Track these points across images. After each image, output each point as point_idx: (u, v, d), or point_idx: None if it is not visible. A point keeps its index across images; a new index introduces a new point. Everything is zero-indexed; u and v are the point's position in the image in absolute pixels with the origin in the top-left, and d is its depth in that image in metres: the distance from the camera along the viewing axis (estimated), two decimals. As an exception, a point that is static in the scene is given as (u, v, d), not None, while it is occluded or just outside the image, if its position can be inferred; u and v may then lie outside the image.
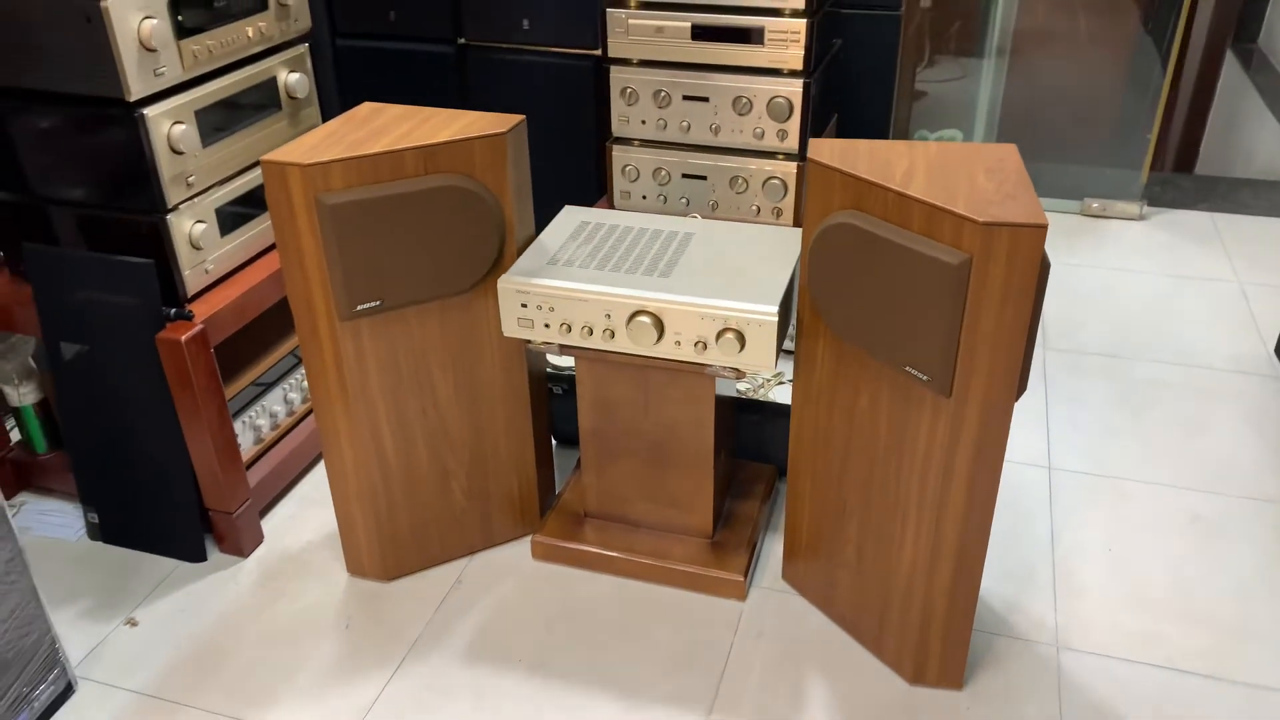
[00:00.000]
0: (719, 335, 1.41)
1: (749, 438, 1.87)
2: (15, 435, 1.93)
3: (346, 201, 1.38)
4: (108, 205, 1.60)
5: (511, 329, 1.52)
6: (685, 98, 2.12)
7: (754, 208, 2.16)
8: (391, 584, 1.71)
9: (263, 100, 1.75)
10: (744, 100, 2.07)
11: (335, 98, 2.59)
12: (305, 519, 1.85)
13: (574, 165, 2.48)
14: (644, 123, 2.17)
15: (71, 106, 1.53)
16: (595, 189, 2.48)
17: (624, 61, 2.13)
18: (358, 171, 1.39)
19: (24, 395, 1.82)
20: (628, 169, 2.23)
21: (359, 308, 1.46)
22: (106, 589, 1.71)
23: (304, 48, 1.83)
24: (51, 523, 1.85)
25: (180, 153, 1.57)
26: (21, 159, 1.61)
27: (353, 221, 1.39)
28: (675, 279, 1.47)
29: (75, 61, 1.48)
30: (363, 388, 1.53)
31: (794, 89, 2.03)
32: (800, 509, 1.59)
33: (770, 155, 2.11)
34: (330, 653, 1.58)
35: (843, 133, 2.49)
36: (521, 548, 1.77)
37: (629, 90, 2.15)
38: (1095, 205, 2.98)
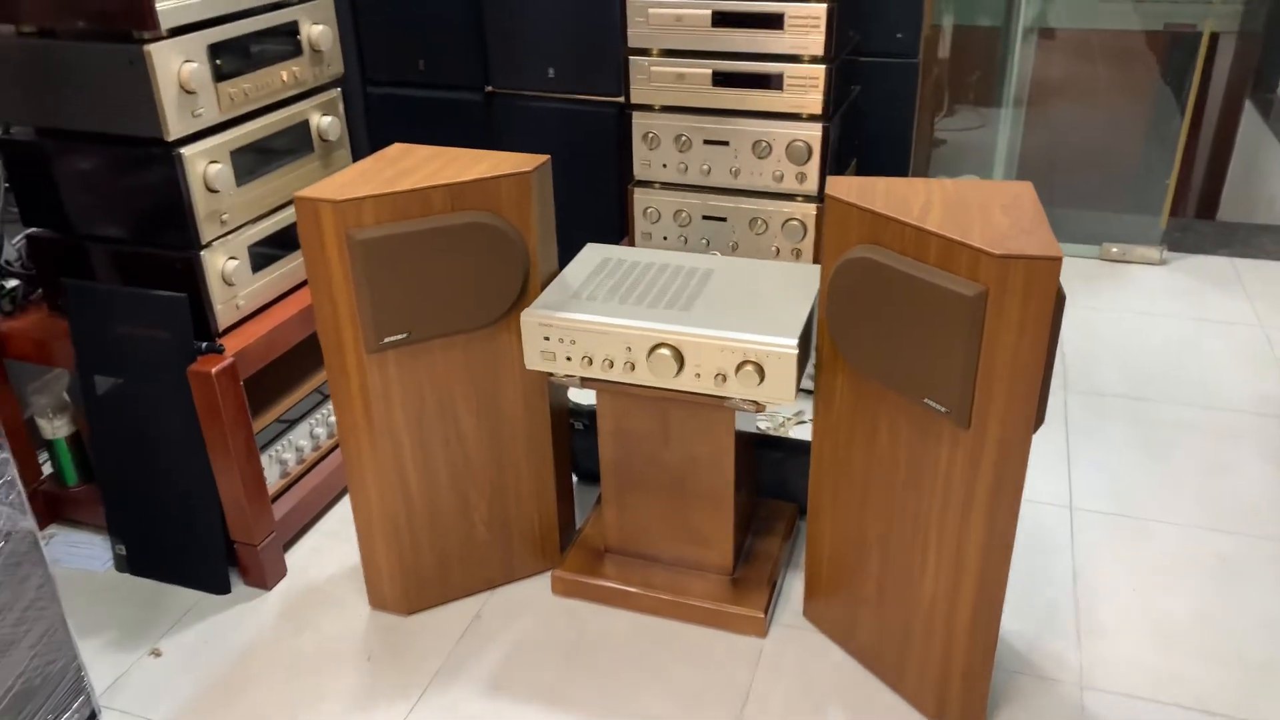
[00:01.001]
0: (738, 367, 1.43)
1: (770, 475, 1.88)
2: (47, 468, 1.97)
3: (376, 237, 1.42)
4: (144, 242, 1.64)
5: (534, 362, 1.54)
6: (706, 142, 2.16)
7: (773, 249, 2.19)
8: (412, 617, 1.72)
9: (296, 142, 1.80)
10: (763, 144, 2.11)
11: (366, 143, 2.66)
12: (329, 552, 1.87)
13: (597, 207, 2.53)
14: (665, 166, 2.21)
15: (112, 146, 1.59)
16: (618, 231, 2.53)
17: (646, 107, 2.18)
18: (388, 208, 1.43)
19: (57, 428, 1.86)
20: (649, 211, 2.27)
21: (386, 340, 1.49)
22: (132, 620, 1.73)
23: (336, 92, 1.89)
24: (80, 554, 1.88)
25: (215, 191, 1.62)
26: (63, 197, 1.66)
27: (382, 256, 1.43)
28: (695, 312, 1.49)
29: (117, 102, 1.54)
30: (388, 419, 1.55)
31: (813, 133, 2.07)
32: (820, 544, 1.59)
33: (789, 197, 2.15)
34: (352, 684, 1.59)
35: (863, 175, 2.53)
36: (541, 583, 1.78)
37: (650, 135, 2.19)
38: (1115, 250, 2.99)
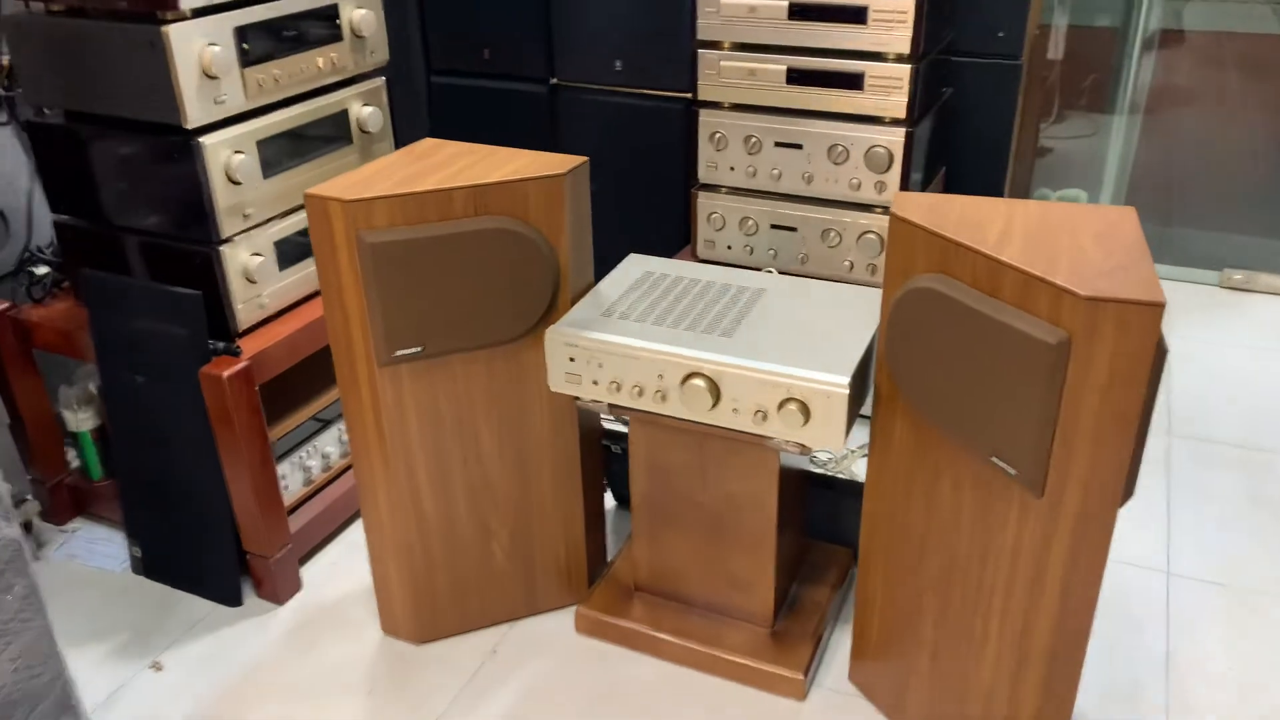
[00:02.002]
0: (781, 405, 1.27)
1: (823, 516, 1.71)
2: (76, 461, 1.92)
3: (389, 241, 1.30)
4: (163, 234, 1.56)
5: (559, 384, 1.40)
6: (777, 144, 1.99)
7: (846, 264, 2.01)
8: (424, 647, 1.60)
9: (332, 133, 1.70)
10: (840, 149, 1.93)
11: (428, 134, 2.56)
12: (348, 568, 1.77)
13: (662, 212, 2.38)
14: (732, 169, 2.05)
15: (132, 132, 1.50)
16: (683, 237, 2.37)
17: (714, 105, 2.02)
18: (402, 210, 1.30)
19: (82, 420, 1.80)
20: (713, 217, 2.11)
21: (398, 353, 1.37)
22: (139, 627, 1.65)
23: (380, 81, 1.78)
24: (99, 552, 1.82)
25: (238, 183, 1.53)
26: (86, 184, 1.59)
27: (395, 262, 1.31)
28: (738, 340, 1.33)
29: (136, 87, 1.45)
30: (401, 436, 1.44)
31: (895, 138, 1.88)
32: (871, 603, 1.42)
33: (867, 208, 1.96)
34: (352, 719, 1.48)
35: (951, 188, 2.32)
36: (565, 618, 1.65)
37: (718, 135, 2.03)
38: (1237, 277, 2.70)
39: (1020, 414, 1.06)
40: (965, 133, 2.31)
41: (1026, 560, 1.14)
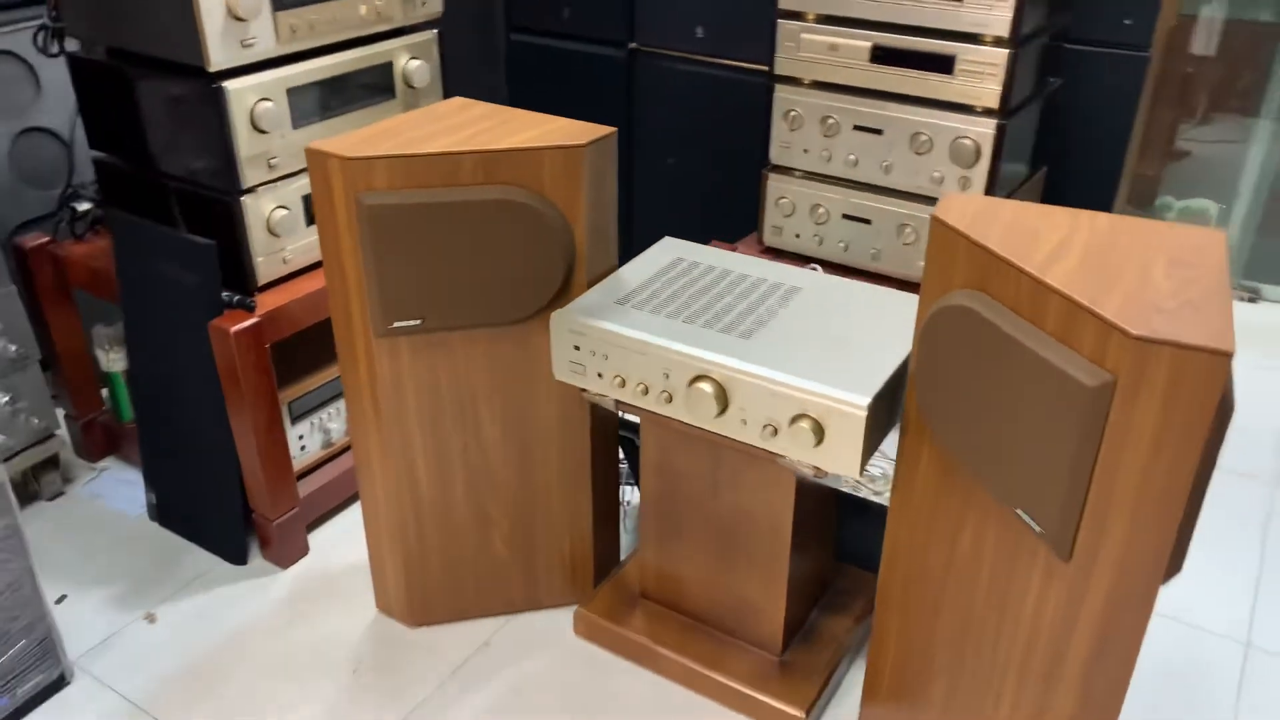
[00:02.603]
0: (793, 421, 1.13)
1: (856, 538, 1.56)
2: (110, 401, 1.91)
3: (388, 204, 1.21)
4: (187, 179, 1.51)
5: (563, 373, 1.30)
6: (856, 128, 1.82)
7: (921, 264, 1.83)
8: (416, 631, 1.53)
9: (375, 86, 1.62)
10: (924, 138, 1.75)
11: (505, 93, 2.47)
12: (358, 538, 1.71)
13: (740, 192, 2.23)
14: (806, 151, 1.89)
15: (160, 72, 1.46)
16: (754, 220, 2.22)
17: (793, 81, 1.87)
18: (405, 171, 1.21)
19: (113, 361, 1.79)
20: (782, 202, 1.96)
21: (395, 324, 1.28)
22: (143, 575, 1.64)
23: (431, 34, 1.70)
24: (122, 494, 1.81)
25: (264, 132, 1.47)
26: (119, 123, 1.56)
27: (394, 227, 1.22)
28: (756, 343, 1.20)
29: (163, 26, 1.40)
30: (398, 413, 1.36)
31: (984, 130, 1.69)
32: (886, 644, 1.27)
33: (947, 206, 1.78)
34: (327, 698, 1.42)
35: (1053, 190, 2.10)
36: (566, 616, 1.55)
37: (793, 114, 1.87)
38: (1384, 312, 2.39)
39: (1051, 464, 0.90)
40: (1076, 130, 2.09)
41: (1047, 635, 0.98)
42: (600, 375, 1.26)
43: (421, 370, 1.34)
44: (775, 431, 1.15)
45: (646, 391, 1.23)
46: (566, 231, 1.27)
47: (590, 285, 1.33)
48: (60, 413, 1.90)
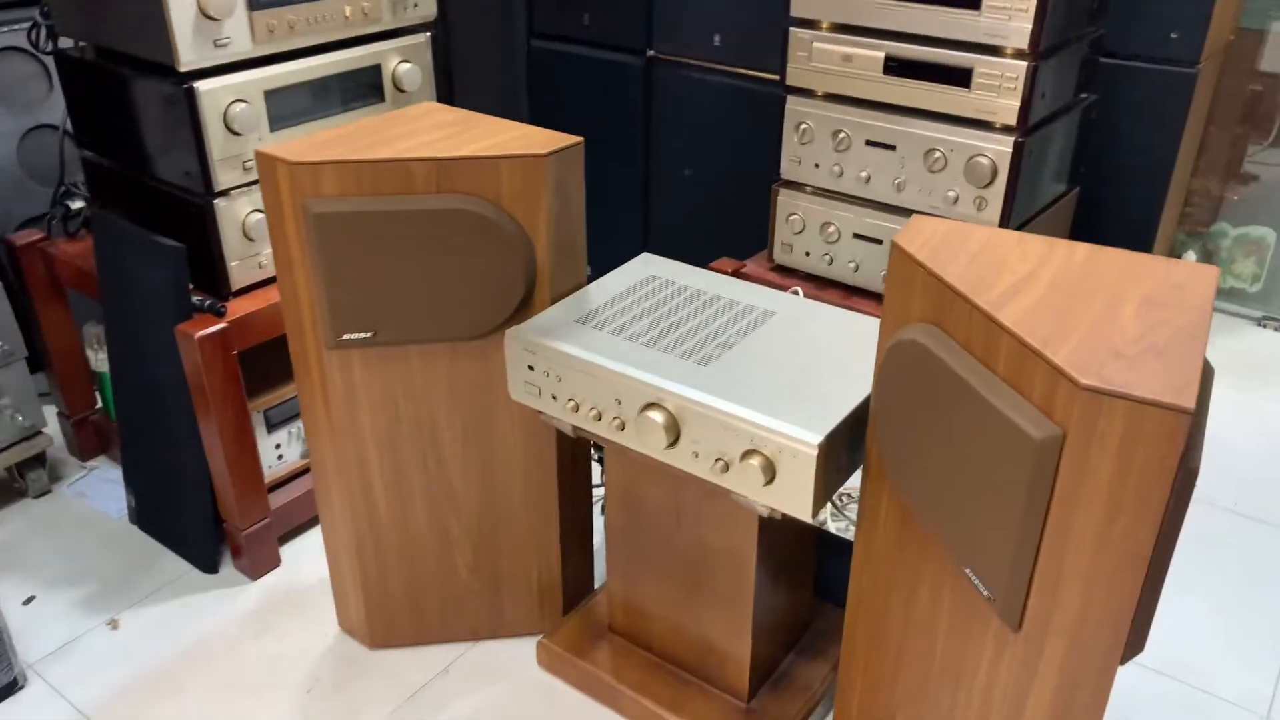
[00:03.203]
0: (743, 456, 1.05)
1: (837, 575, 1.46)
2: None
3: (336, 212, 1.16)
4: (162, 179, 1.49)
5: (519, 393, 1.23)
6: (868, 143, 1.73)
7: (932, 289, 1.73)
8: (376, 653, 1.48)
9: (362, 89, 1.58)
10: (938, 155, 1.65)
11: (525, 99, 2.42)
12: (332, 551, 1.67)
13: (752, 207, 2.15)
14: (817, 166, 1.80)
15: (136, 71, 1.43)
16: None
17: (805, 92, 1.78)
18: (355, 178, 1.16)
19: (101, 361, 1.77)
20: (793, 218, 1.87)
21: (345, 336, 1.23)
22: (114, 579, 1.61)
23: (423, 37, 1.65)
24: (107, 494, 1.80)
25: (238, 134, 1.43)
26: (102, 120, 1.54)
27: (343, 236, 1.17)
28: (715, 371, 1.12)
29: (136, 23, 1.37)
30: (352, 427, 1.31)
31: (1002, 148, 1.59)
32: (849, 699, 1.18)
33: (962, 227, 1.67)
34: (278, 717, 1.37)
35: (1088, 213, 1.98)
36: (531, 646, 1.48)
37: (804, 126, 1.79)
38: None
39: (998, 522, 0.81)
40: (1115, 150, 1.97)
41: (999, 707, 0.89)
42: (554, 397, 1.19)
43: (375, 384, 1.29)
44: (726, 467, 1.07)
45: (599, 417, 1.16)
46: (526, 245, 1.21)
47: (554, 302, 1.26)
48: (54, 411, 1.89)
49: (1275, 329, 2.46)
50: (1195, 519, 1.75)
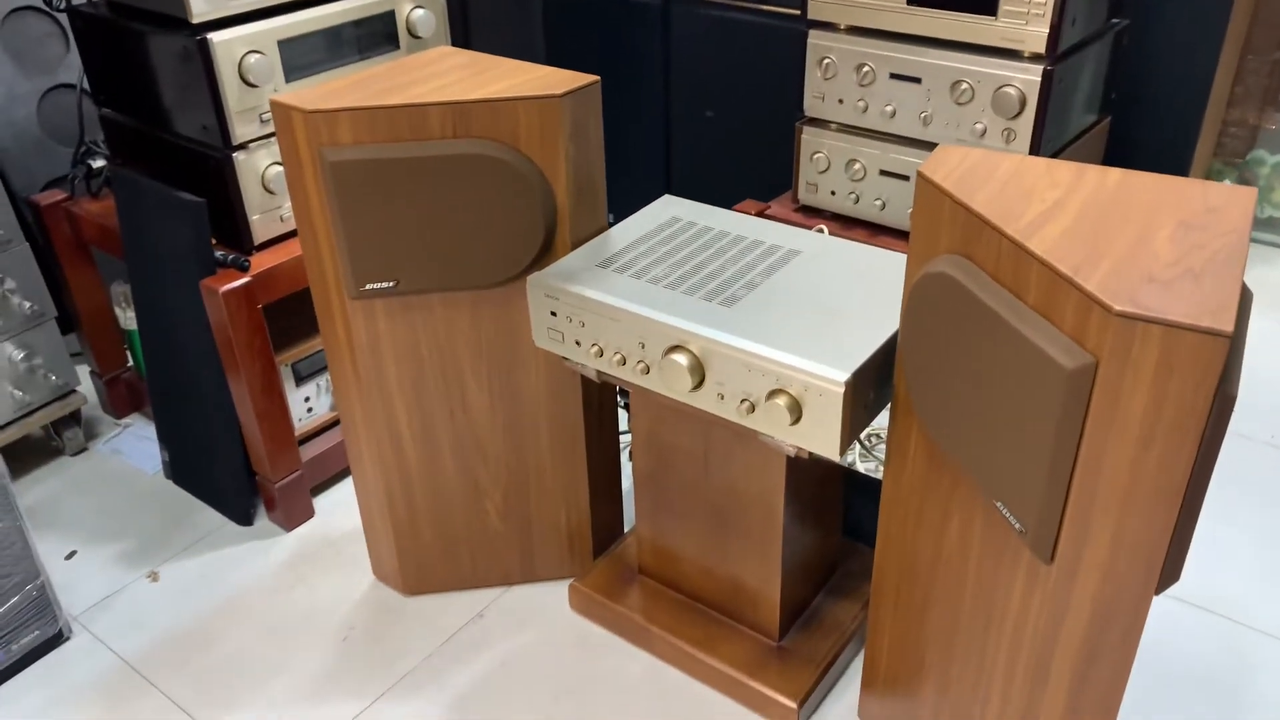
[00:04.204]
0: (769, 396, 1.04)
1: (866, 515, 1.46)
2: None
3: (352, 160, 1.15)
4: (181, 135, 1.48)
5: (542, 339, 1.23)
6: (893, 76, 1.69)
7: (960, 224, 1.69)
8: (411, 600, 1.50)
9: (376, 37, 1.56)
10: (965, 86, 1.61)
11: (541, 43, 2.39)
12: (364, 501, 1.69)
13: (777, 146, 2.12)
14: (841, 102, 1.76)
15: (148, 24, 1.42)
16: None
17: (827, 26, 1.74)
18: (370, 125, 1.15)
19: (130, 320, 1.79)
20: (817, 157, 1.83)
21: (368, 286, 1.23)
22: (152, 533, 1.64)
23: (437, -19, 1.62)
24: (141, 451, 1.82)
25: (254, 86, 1.42)
26: (119, 77, 1.53)
27: (360, 184, 1.16)
28: (739, 311, 1.10)
29: (147, -25, 1.36)
30: (378, 378, 1.31)
31: (1030, 77, 1.54)
32: (880, 636, 1.18)
33: (990, 160, 1.63)
34: (317, 664, 1.40)
35: (1116, 145, 1.93)
36: (563, 590, 1.50)
37: (827, 61, 1.75)
38: None
39: (1031, 455, 0.80)
40: (1147, 77, 1.91)
41: (1031, 641, 0.88)
42: (578, 343, 1.19)
43: (400, 334, 1.29)
44: (752, 408, 1.06)
45: (624, 361, 1.15)
46: (545, 189, 1.19)
47: (576, 246, 1.25)
48: (86, 370, 1.92)
49: (1315, 258, 2.40)
50: (1230, 452, 1.72)
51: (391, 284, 1.23)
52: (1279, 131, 2.54)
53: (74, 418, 1.80)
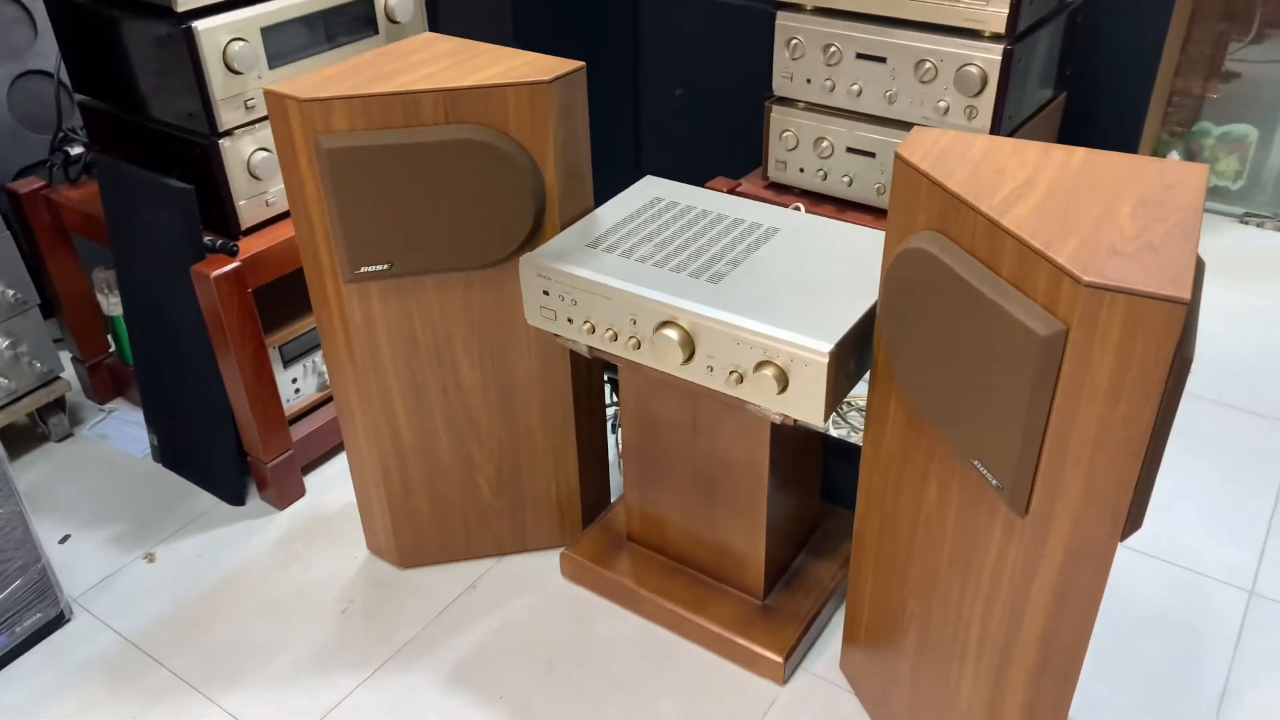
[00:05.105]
0: (756, 368, 1.10)
1: (843, 479, 1.53)
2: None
3: (347, 146, 1.18)
4: (165, 122, 1.50)
5: (535, 317, 1.27)
6: (859, 55, 1.74)
7: (925, 199, 1.76)
8: (406, 573, 1.54)
9: (355, 22, 1.59)
10: (928, 65, 1.67)
11: (509, 24, 2.41)
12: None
13: (747, 125, 2.17)
14: (809, 82, 1.82)
15: (131, 12, 1.43)
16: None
17: (795, 7, 1.79)
18: (364, 112, 1.18)
19: (113, 305, 1.80)
20: (786, 135, 1.89)
21: (363, 269, 1.27)
22: (145, 516, 1.67)
23: (413, -34, 1.65)
24: (128, 435, 1.84)
25: (239, 73, 1.44)
26: (99, 64, 1.54)
27: (355, 170, 1.20)
28: (725, 288, 1.16)
29: (130, -36, 1.37)
30: (373, 358, 1.35)
31: (991, 56, 1.61)
32: (861, 592, 1.26)
33: (953, 136, 1.70)
34: (316, 639, 1.44)
35: (1075, 118, 2.01)
36: (554, 559, 1.55)
37: (795, 41, 1.80)
38: None
39: (1006, 415, 0.87)
40: (1100, 53, 1.98)
41: (1007, 589, 0.95)
42: (570, 320, 1.24)
43: (394, 315, 1.32)
44: (741, 379, 1.12)
45: (615, 337, 1.20)
46: (535, 172, 1.24)
47: (564, 227, 1.30)
48: (68, 356, 1.93)
49: (1257, 225, 2.51)
50: (1181, 411, 1.82)
51: (386, 267, 1.27)
52: (1222, 101, 2.65)
53: (59, 404, 1.81)
